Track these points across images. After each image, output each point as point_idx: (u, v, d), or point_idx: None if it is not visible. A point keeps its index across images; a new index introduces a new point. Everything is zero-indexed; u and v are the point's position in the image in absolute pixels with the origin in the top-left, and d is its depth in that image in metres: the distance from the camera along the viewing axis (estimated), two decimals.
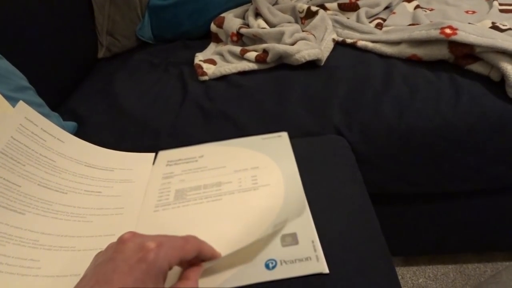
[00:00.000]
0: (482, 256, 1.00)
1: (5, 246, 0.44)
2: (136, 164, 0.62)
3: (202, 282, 0.41)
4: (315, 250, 0.43)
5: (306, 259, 0.42)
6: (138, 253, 0.33)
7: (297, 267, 0.42)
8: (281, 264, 0.42)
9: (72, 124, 0.76)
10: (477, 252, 1.01)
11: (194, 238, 0.38)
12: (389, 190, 0.77)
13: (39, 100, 0.69)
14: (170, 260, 0.34)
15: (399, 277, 0.96)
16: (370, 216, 0.52)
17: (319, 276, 0.41)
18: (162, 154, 0.65)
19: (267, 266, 0.42)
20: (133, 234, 0.36)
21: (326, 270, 0.42)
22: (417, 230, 0.89)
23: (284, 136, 0.65)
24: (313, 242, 0.44)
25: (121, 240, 0.35)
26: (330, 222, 0.48)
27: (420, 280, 0.97)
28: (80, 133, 0.74)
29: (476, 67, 0.73)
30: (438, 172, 0.74)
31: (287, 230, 0.46)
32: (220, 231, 0.47)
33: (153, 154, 0.64)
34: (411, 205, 0.84)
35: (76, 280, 0.34)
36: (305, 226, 0.46)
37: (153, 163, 0.63)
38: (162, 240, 0.35)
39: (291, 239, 0.45)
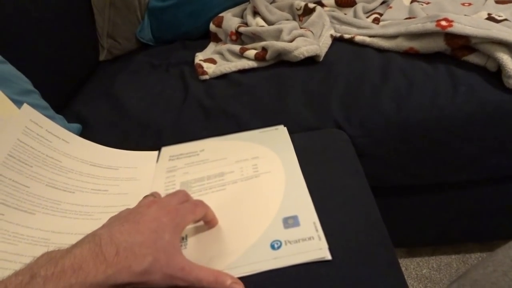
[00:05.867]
0: (485, 246, 1.01)
1: (18, 246, 0.45)
2: (140, 162, 0.63)
3: (209, 266, 0.43)
4: (316, 230, 0.45)
5: (309, 238, 0.44)
6: (162, 211, 0.39)
7: (301, 246, 0.43)
8: (286, 244, 0.44)
9: (76, 126, 0.77)
10: (479, 242, 1.02)
11: (201, 203, 0.45)
12: (390, 182, 0.78)
13: (44, 103, 0.71)
14: (185, 222, 0.41)
15: (403, 268, 0.97)
16: (371, 207, 0.53)
17: (321, 265, 0.42)
18: (164, 150, 0.66)
19: (272, 246, 0.44)
20: (153, 200, 0.42)
21: (326, 247, 0.43)
22: (419, 221, 0.90)
23: (281, 128, 0.67)
24: (314, 223, 0.46)
25: (146, 204, 0.41)
26: (331, 214, 0.49)
27: (424, 271, 0.98)
28: (84, 135, 0.74)
29: (473, 58, 0.74)
30: (438, 163, 0.75)
31: (288, 213, 0.48)
32: (226, 220, 0.48)
33: (156, 152, 0.66)
34: (412, 196, 0.85)
35: None
36: (305, 209, 0.49)
37: (157, 161, 0.64)
38: (178, 207, 0.42)
39: (293, 221, 0.47)
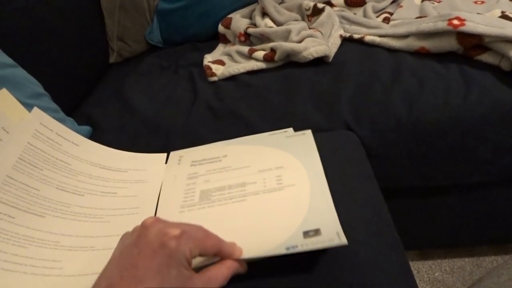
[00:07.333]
0: (499, 248, 0.99)
1: (28, 248, 0.45)
2: (149, 164, 0.63)
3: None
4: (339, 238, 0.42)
5: (329, 240, 0.41)
6: (160, 238, 0.34)
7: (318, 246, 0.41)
8: (302, 246, 0.42)
9: (86, 128, 0.78)
10: (493, 245, 1.00)
11: (216, 237, 0.40)
12: (401, 184, 0.77)
13: (54, 106, 0.71)
14: (191, 249, 0.35)
15: (415, 272, 0.96)
16: (382, 209, 0.53)
17: (332, 268, 0.42)
18: (186, 153, 0.65)
19: (287, 249, 0.42)
20: (156, 219, 0.37)
21: (344, 240, 0.41)
22: (431, 223, 0.89)
23: (308, 133, 0.63)
24: (337, 233, 0.43)
25: (144, 225, 0.37)
26: (342, 216, 0.48)
27: (436, 274, 0.96)
28: (94, 137, 0.75)
29: (486, 58, 0.73)
30: (450, 165, 0.73)
31: (311, 226, 0.45)
32: (245, 233, 0.46)
33: (165, 154, 0.66)
34: (424, 198, 0.84)
35: None
36: (330, 222, 0.45)
37: (166, 162, 0.64)
38: (185, 229, 0.36)
39: (314, 233, 0.44)
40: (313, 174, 0.54)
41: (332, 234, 0.43)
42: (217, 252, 0.39)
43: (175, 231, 0.35)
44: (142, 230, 0.36)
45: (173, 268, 0.33)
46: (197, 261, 0.39)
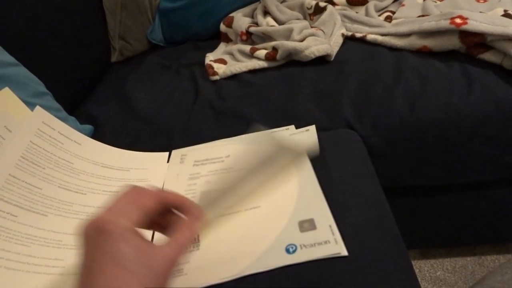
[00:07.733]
0: (501, 247, 0.99)
1: (30, 247, 0.46)
2: (151, 163, 0.63)
3: (223, 269, 0.42)
4: (333, 234, 0.44)
5: (325, 242, 0.44)
6: (97, 229, 0.31)
7: (316, 250, 0.43)
8: (301, 248, 0.43)
9: (88, 127, 0.78)
10: (495, 244, 0.99)
11: (150, 190, 0.36)
12: (403, 182, 0.77)
13: (56, 105, 0.71)
14: (130, 218, 0.32)
15: (416, 270, 0.96)
16: (384, 208, 0.53)
17: (334, 267, 0.42)
18: (189, 152, 0.65)
19: (287, 250, 0.43)
20: (90, 221, 0.33)
21: (345, 252, 0.42)
22: (433, 222, 0.89)
23: (311, 129, 0.64)
24: (330, 226, 0.45)
25: (81, 232, 0.33)
26: (343, 215, 0.48)
27: (438, 273, 0.96)
28: (96, 136, 0.75)
29: (489, 56, 0.72)
30: (452, 163, 0.73)
31: (304, 216, 0.47)
32: (239, 223, 0.47)
33: (166, 153, 0.66)
34: (426, 197, 0.84)
35: None
36: (322, 212, 0.47)
37: (167, 161, 0.64)
38: (115, 204, 0.33)
39: (309, 225, 0.46)
40: (300, 165, 0.55)
41: (326, 229, 0.45)
42: (163, 203, 0.36)
43: (106, 214, 0.32)
44: (82, 238, 0.33)
45: (126, 248, 0.30)
46: None
